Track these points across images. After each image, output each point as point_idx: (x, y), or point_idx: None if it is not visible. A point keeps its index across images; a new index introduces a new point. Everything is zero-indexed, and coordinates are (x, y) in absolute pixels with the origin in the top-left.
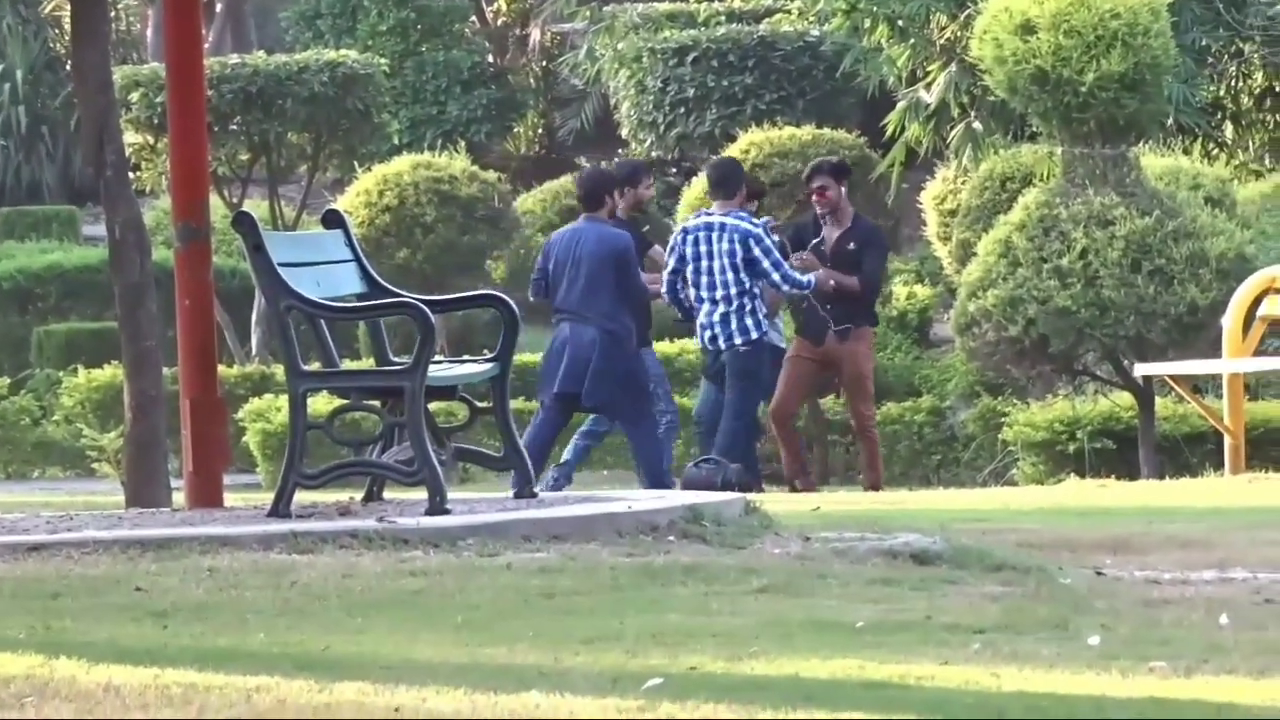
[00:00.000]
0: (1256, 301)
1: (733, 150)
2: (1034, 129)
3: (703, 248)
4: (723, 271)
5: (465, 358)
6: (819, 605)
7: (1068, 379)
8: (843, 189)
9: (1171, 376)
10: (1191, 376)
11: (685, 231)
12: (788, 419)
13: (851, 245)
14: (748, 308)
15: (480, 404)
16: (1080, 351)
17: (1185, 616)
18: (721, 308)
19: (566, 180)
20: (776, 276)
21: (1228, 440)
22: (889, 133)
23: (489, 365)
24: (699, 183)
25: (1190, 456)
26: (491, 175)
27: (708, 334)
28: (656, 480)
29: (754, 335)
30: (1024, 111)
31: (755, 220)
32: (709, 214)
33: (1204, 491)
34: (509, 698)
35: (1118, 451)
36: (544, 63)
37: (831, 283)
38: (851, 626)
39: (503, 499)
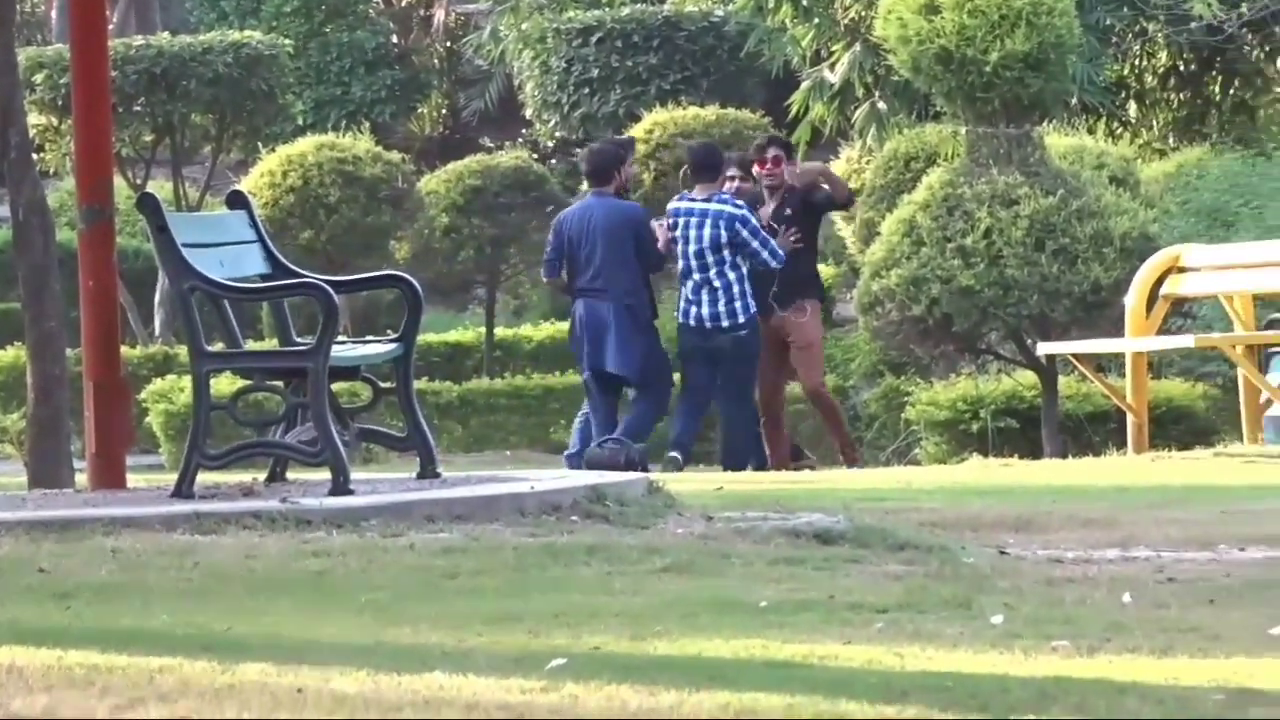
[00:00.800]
0: (1160, 280)
1: (636, 130)
2: (938, 108)
3: (691, 232)
4: (707, 254)
5: (369, 338)
6: (722, 585)
7: (971, 358)
8: (792, 164)
9: (1075, 355)
10: (1095, 355)
11: (671, 214)
12: (776, 405)
13: (789, 211)
14: (736, 290)
15: (384, 384)
16: (984, 331)
17: (1088, 595)
18: (711, 292)
19: (470, 161)
20: (765, 254)
21: (1130, 419)
22: (793, 113)
23: (392, 345)
24: None
25: (1093, 435)
26: (395, 156)
27: (693, 314)
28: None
29: (742, 319)
30: (928, 91)
31: (738, 202)
32: (691, 198)
33: (1107, 470)
34: (412, 678)
35: (1021, 430)
36: (448, 43)
37: (793, 238)
38: (755, 606)
39: (406, 479)
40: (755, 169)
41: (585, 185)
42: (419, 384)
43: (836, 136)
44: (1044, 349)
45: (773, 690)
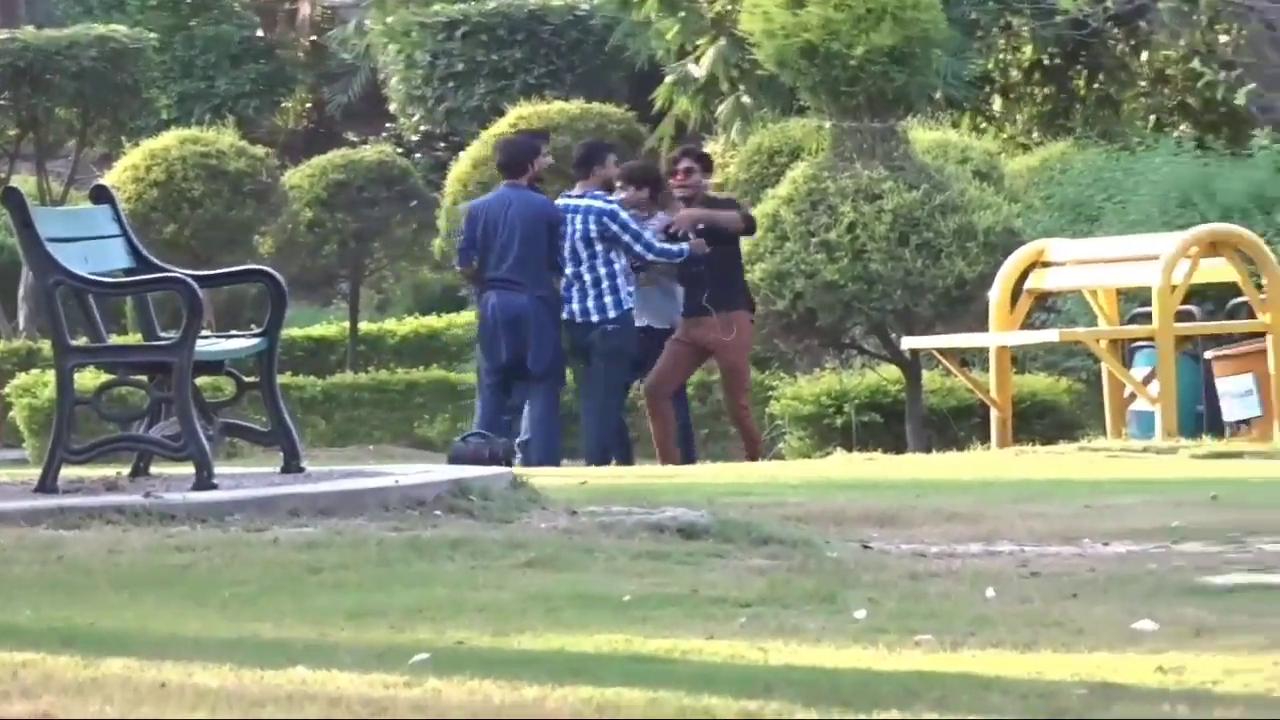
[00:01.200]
0: (1024, 275)
1: (501, 125)
2: (803, 103)
3: (566, 229)
4: (579, 249)
5: (233, 333)
6: (586, 579)
7: (835, 353)
8: (707, 177)
9: (938, 350)
10: (958, 350)
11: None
12: (662, 396)
13: (701, 225)
14: (606, 285)
15: (248, 379)
16: (847, 325)
17: (952, 589)
18: (582, 288)
19: (335, 155)
20: (639, 247)
21: (994, 413)
22: (658, 106)
23: (256, 340)
24: (467, 157)
25: (957, 430)
26: (260, 150)
27: (567, 310)
28: (550, 455)
29: (613, 314)
30: (793, 85)
31: (608, 197)
32: (569, 195)
33: (971, 465)
34: (275, 673)
35: (885, 425)
36: (313, 37)
37: (702, 239)
38: (618, 600)
39: (270, 474)
40: (671, 180)
41: (450, 177)
42: (283, 379)
43: (701, 131)
44: (908, 343)
45: (636, 685)
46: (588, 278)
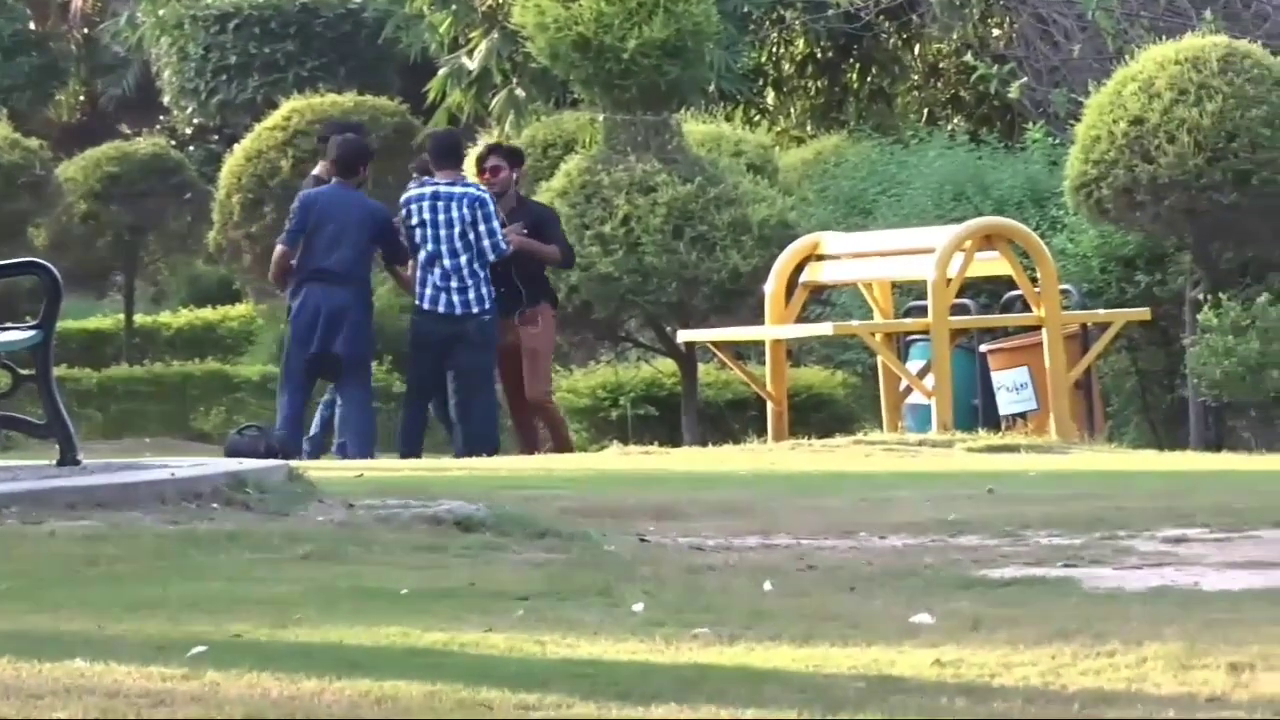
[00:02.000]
0: (799, 268)
1: (275, 118)
2: (576, 96)
3: (440, 216)
4: (456, 239)
5: (7, 325)
6: (363, 572)
7: (611, 345)
8: (515, 174)
9: (714, 343)
10: (734, 343)
11: (410, 200)
12: (519, 408)
13: (525, 231)
14: (484, 275)
15: (23, 371)
16: (623, 318)
17: (729, 583)
18: (461, 279)
19: (108, 147)
20: (488, 243)
21: (770, 406)
22: (431, 99)
23: (31, 333)
24: (240, 150)
25: (733, 423)
26: (34, 142)
27: (443, 300)
28: (368, 448)
29: (489, 305)
30: (566, 78)
31: (483, 187)
32: (435, 183)
33: (747, 458)
34: (54, 665)
35: (661, 418)
36: (85, 29)
37: (523, 240)
38: (396, 593)
39: (46, 466)
40: (479, 179)
41: (225, 170)
42: (58, 371)
43: (474, 124)
44: (683, 336)
45: (414, 678)
46: (466, 269)
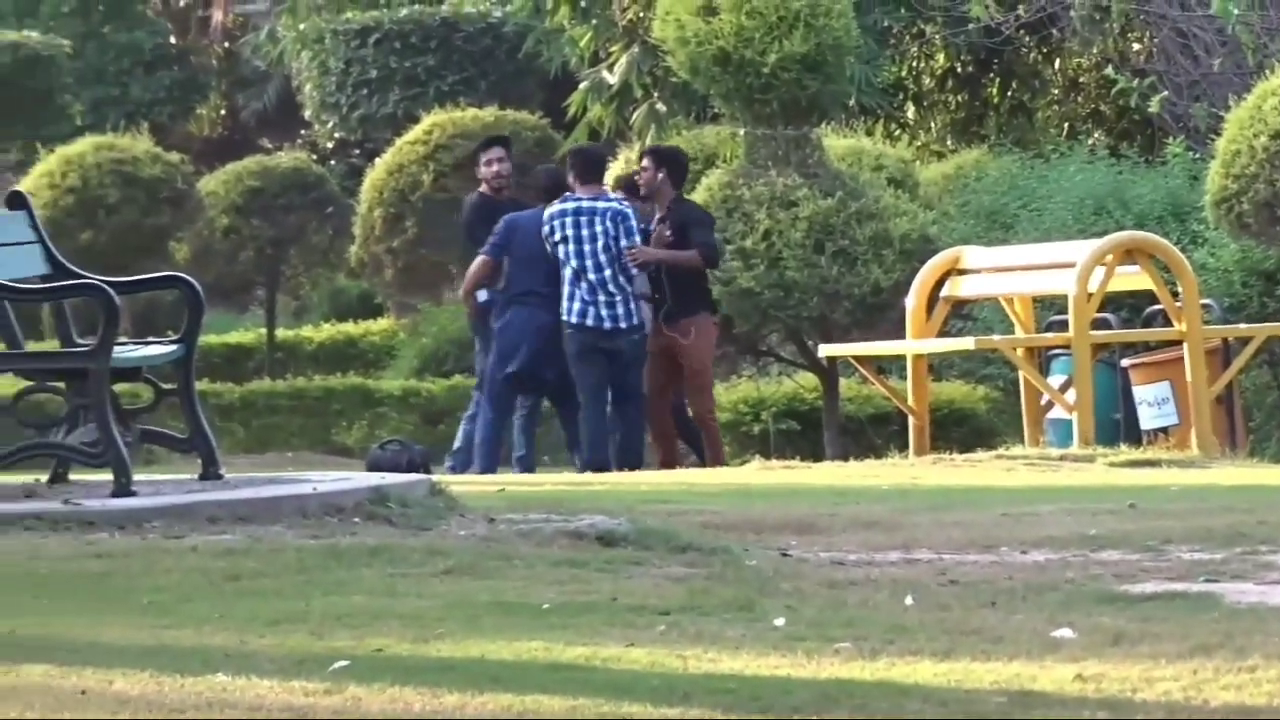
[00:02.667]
0: (940, 282)
1: (416, 132)
2: (717, 110)
3: (584, 230)
4: (601, 254)
5: (150, 339)
6: (505, 587)
7: (752, 360)
8: (660, 174)
9: (855, 357)
10: (875, 357)
11: (554, 216)
12: (658, 413)
13: (670, 235)
14: (630, 289)
15: (165, 386)
16: (764, 332)
17: (870, 597)
18: (608, 293)
19: (249, 162)
20: (628, 259)
21: (912, 421)
22: (571, 113)
23: (173, 347)
24: (382, 164)
25: (875, 437)
26: (174, 157)
27: (591, 315)
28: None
29: (637, 320)
30: (707, 92)
31: (624, 200)
32: (578, 198)
33: (889, 473)
34: (196, 680)
35: (802, 433)
36: (226, 44)
37: (651, 253)
38: (537, 608)
39: (188, 481)
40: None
41: (366, 184)
42: (200, 385)
43: (615, 138)
44: (825, 351)
45: (555, 693)
46: (612, 283)
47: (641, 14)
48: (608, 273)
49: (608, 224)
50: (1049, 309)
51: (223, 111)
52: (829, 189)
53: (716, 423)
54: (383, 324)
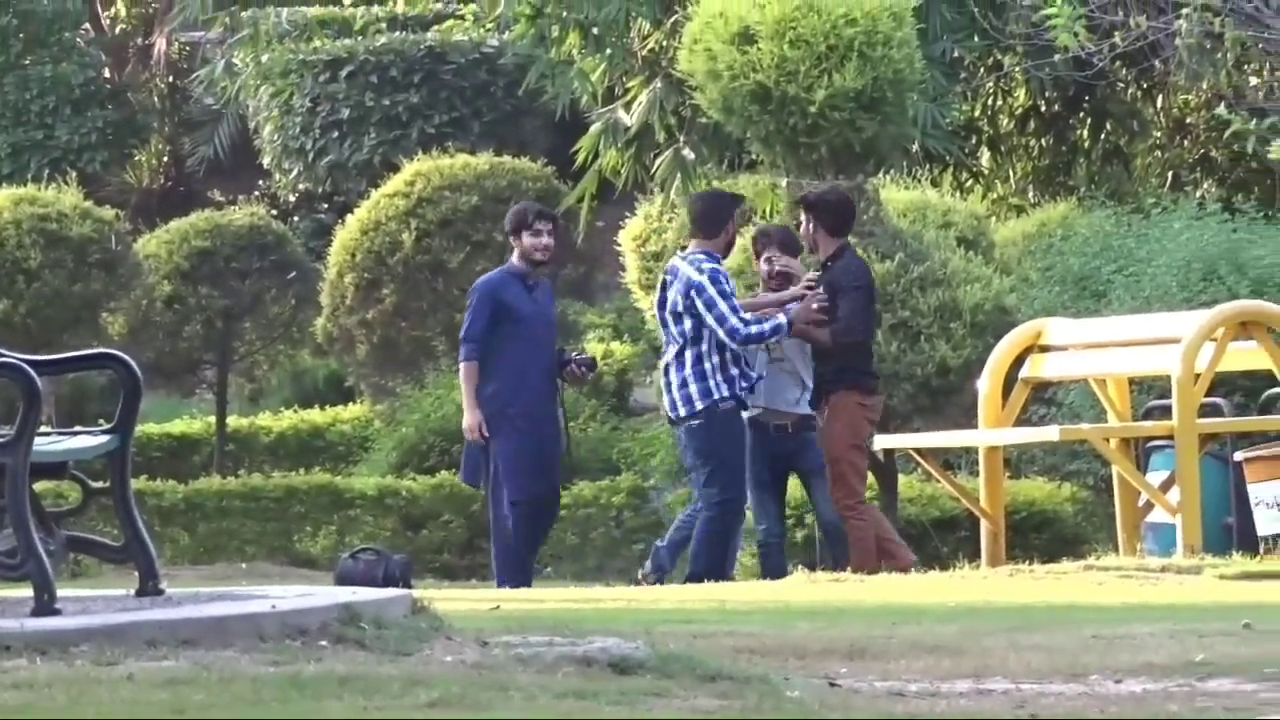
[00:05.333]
0: (1018, 361)
1: (395, 183)
2: (754, 156)
3: (664, 294)
4: (670, 324)
5: (77, 429)
6: None
7: None
8: (810, 224)
9: (918, 450)
10: (942, 450)
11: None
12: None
13: (816, 303)
14: (690, 371)
15: (96, 484)
16: None
17: None
18: (669, 372)
19: (197, 218)
20: (722, 332)
21: (984, 526)
22: (580, 160)
23: (106, 438)
24: (355, 221)
25: (940, 545)
26: (108, 212)
27: (665, 398)
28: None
29: (699, 405)
30: (742, 135)
31: (708, 264)
32: (682, 255)
33: (957, 587)
34: None
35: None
36: (171, 78)
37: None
38: None
39: (123, 597)
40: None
41: (336, 244)
42: (137, 483)
43: (632, 189)
44: (882, 442)
45: None
46: (673, 361)
47: (664, 42)
48: (672, 349)
49: (676, 295)
50: (1148, 392)
51: (165, 158)
52: (887, 250)
53: (862, 518)
54: (354, 411)
